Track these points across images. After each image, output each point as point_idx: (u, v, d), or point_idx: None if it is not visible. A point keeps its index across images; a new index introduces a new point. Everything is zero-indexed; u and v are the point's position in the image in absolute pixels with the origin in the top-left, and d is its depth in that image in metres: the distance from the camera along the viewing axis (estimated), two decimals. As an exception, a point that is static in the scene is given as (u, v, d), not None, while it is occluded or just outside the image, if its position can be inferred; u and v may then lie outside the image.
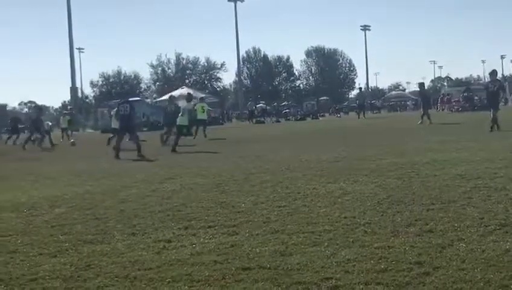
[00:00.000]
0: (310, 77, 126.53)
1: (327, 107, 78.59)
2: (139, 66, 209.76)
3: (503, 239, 5.14)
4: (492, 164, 10.28)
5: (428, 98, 36.13)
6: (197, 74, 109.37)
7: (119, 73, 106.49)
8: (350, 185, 8.88)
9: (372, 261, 4.73)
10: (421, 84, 36.45)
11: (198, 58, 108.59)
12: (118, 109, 19.67)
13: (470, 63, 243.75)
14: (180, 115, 20.24)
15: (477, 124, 22.04)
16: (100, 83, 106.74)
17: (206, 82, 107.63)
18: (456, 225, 5.80)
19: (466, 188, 7.87)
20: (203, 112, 28.54)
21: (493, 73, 22.14)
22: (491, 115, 19.82)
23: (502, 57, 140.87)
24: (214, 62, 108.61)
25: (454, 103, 54.02)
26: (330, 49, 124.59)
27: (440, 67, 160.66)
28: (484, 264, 4.47)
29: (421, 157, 12.02)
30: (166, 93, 62.78)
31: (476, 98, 53.12)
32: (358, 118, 44.58)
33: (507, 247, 4.87)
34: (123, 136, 18.96)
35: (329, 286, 4.25)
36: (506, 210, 6.34)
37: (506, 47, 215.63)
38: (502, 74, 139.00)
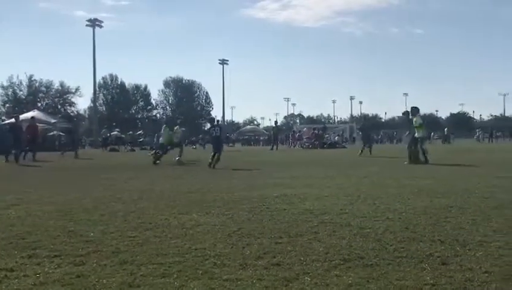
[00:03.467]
0: (168, 107, 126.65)
1: (183, 138, 78.65)
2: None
3: (346, 274, 5.34)
4: (338, 200, 10.73)
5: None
6: (50, 98, 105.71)
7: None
8: (202, 217, 8.90)
9: (220, 294, 4.75)
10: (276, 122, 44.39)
11: (52, 81, 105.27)
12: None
13: (321, 102, 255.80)
14: None
15: (326, 161, 22.95)
16: None
17: (59, 106, 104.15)
18: (302, 258, 5.96)
19: (313, 223, 8.14)
20: None
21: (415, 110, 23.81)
22: (409, 150, 22.13)
23: (351, 98, 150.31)
24: (69, 86, 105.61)
25: (305, 140, 56.18)
26: (188, 81, 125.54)
27: (293, 104, 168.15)
28: (327, 297, 4.62)
29: (272, 191, 12.31)
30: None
31: (326, 136, 55.95)
32: (213, 150, 44.97)
33: (349, 281, 5.06)
34: None
35: (177, 318, 4.22)
36: (350, 245, 6.60)
37: (355, 89, 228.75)
38: (351, 114, 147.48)
